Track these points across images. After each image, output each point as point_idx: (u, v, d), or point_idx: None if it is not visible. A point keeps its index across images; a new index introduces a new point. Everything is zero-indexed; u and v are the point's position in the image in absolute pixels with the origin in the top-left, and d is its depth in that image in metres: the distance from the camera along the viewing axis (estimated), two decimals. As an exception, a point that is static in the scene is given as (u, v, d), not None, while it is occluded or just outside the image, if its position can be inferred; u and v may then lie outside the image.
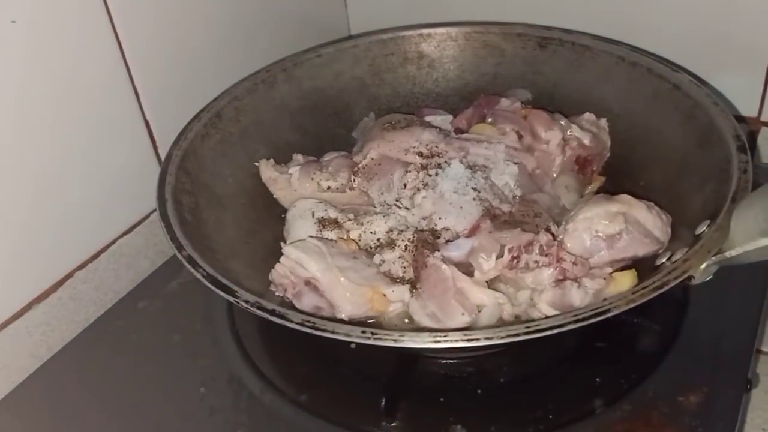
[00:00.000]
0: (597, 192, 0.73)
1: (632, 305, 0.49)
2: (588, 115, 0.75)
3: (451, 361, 0.63)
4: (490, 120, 0.76)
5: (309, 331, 0.50)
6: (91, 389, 0.64)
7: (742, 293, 0.66)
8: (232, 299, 0.53)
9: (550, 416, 0.57)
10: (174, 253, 0.59)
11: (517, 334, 0.47)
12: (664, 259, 0.58)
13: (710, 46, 0.83)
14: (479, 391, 0.60)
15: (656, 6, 0.84)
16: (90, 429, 0.61)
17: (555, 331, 0.47)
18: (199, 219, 0.65)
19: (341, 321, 0.58)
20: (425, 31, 0.84)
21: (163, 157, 0.74)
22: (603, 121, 0.75)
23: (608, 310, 0.48)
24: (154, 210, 0.64)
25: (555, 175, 0.72)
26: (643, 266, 0.60)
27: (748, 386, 0.59)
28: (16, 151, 0.64)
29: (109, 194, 0.74)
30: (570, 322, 0.47)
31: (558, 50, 0.80)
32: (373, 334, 0.49)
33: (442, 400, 0.60)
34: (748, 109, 0.85)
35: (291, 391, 0.61)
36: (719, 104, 0.66)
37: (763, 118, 0.85)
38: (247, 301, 0.53)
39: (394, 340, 0.48)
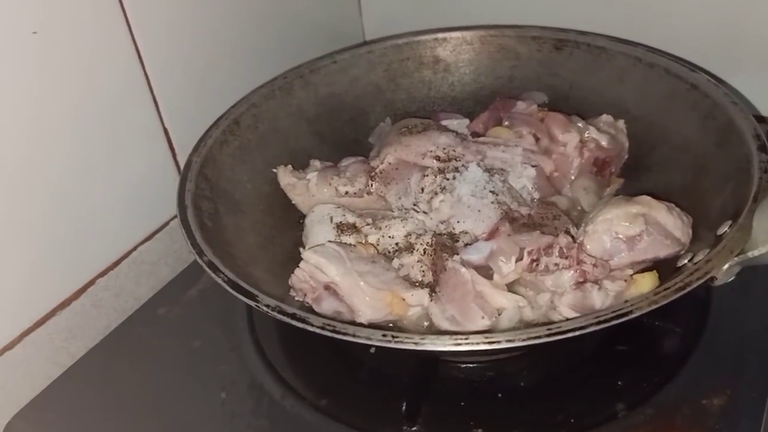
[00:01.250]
0: (616, 194, 0.73)
1: (654, 306, 0.48)
2: (605, 117, 0.75)
3: (471, 365, 0.63)
4: (506, 123, 0.76)
5: (330, 334, 0.50)
6: (112, 396, 0.65)
7: (765, 294, 0.65)
8: (253, 303, 0.54)
9: (572, 420, 0.57)
10: (193, 260, 0.59)
11: (539, 337, 0.47)
12: (685, 261, 0.57)
13: (727, 46, 0.83)
14: (500, 395, 0.60)
15: (671, 6, 0.83)
16: (112, 436, 0.62)
17: (577, 333, 0.47)
18: (219, 225, 0.66)
19: (361, 325, 0.58)
20: (440, 35, 0.85)
21: (181, 165, 0.75)
22: (620, 123, 0.75)
23: (630, 312, 0.48)
24: (174, 217, 0.65)
25: (573, 178, 0.72)
26: (664, 268, 0.60)
27: (773, 388, 0.58)
28: (37, 159, 0.65)
29: (128, 202, 0.75)
30: (592, 324, 0.47)
31: (574, 52, 0.80)
32: (393, 337, 0.49)
33: (462, 404, 0.60)
34: (765, 108, 0.84)
35: (311, 396, 0.62)
36: (738, 103, 0.65)
37: (782, 118, 0.84)
38: (267, 306, 0.53)
39: (415, 343, 0.48)
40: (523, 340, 0.47)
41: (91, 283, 0.73)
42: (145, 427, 0.62)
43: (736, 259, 0.51)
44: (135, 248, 0.77)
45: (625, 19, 0.85)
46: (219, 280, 0.56)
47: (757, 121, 0.63)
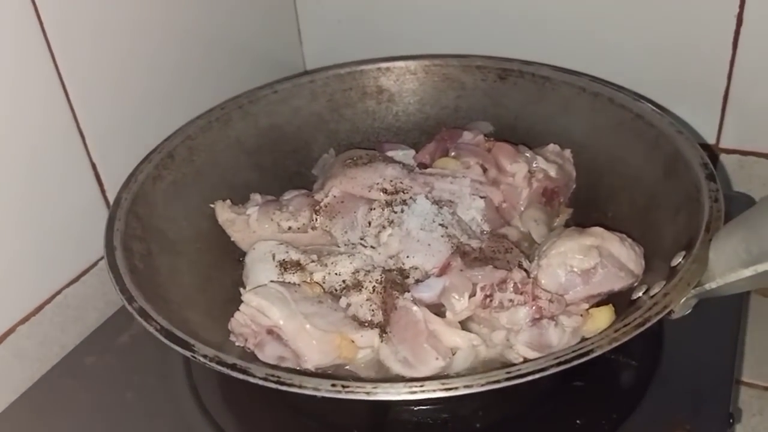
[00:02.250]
0: (566, 224, 0.72)
1: (615, 344, 0.47)
2: (552, 147, 0.74)
3: (425, 408, 0.60)
4: (453, 154, 0.74)
5: (274, 386, 0.47)
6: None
7: (718, 324, 0.64)
8: (189, 354, 0.50)
9: (532, 463, 0.55)
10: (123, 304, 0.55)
11: (498, 381, 0.45)
12: (640, 293, 0.56)
13: (668, 75, 0.84)
14: (456, 439, 0.57)
15: (613, 37, 0.84)
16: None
17: (537, 376, 0.45)
18: (152, 267, 0.61)
19: (307, 372, 0.54)
20: (384, 65, 0.83)
21: (111, 201, 0.70)
22: (567, 152, 0.75)
23: (591, 351, 0.46)
24: (102, 257, 0.60)
25: (522, 209, 0.70)
26: (618, 301, 0.59)
27: (731, 421, 0.58)
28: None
29: (53, 241, 0.70)
30: (552, 366, 0.45)
31: (518, 82, 0.79)
32: (344, 387, 0.45)
33: (417, 449, 0.57)
34: (706, 136, 0.86)
35: (255, 449, 0.58)
36: (683, 132, 0.66)
37: (722, 145, 0.86)
38: (205, 356, 0.49)
39: (367, 393, 0.45)
40: (482, 385, 0.45)
41: (11, 330, 0.67)
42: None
43: (693, 291, 0.50)
44: (60, 291, 0.72)
45: (569, 49, 0.85)
46: (151, 329, 0.52)
47: (703, 149, 0.63)
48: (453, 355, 0.56)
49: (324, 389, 0.45)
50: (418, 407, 0.60)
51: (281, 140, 0.80)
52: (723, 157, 0.87)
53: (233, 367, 0.48)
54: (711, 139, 0.86)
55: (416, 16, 0.92)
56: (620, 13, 0.83)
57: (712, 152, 0.86)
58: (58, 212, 0.70)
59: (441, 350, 0.55)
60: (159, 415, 0.62)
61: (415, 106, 0.84)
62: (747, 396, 0.77)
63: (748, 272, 0.47)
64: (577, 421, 0.57)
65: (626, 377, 0.61)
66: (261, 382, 0.46)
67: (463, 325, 0.59)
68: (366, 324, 0.59)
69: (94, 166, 0.73)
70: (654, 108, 0.70)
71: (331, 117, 0.83)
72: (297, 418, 0.61)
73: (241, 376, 0.47)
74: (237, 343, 0.59)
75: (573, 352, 0.46)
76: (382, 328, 0.59)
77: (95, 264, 0.75)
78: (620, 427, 0.56)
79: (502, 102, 0.80)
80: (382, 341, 0.58)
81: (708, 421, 0.56)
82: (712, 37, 0.80)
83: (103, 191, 0.75)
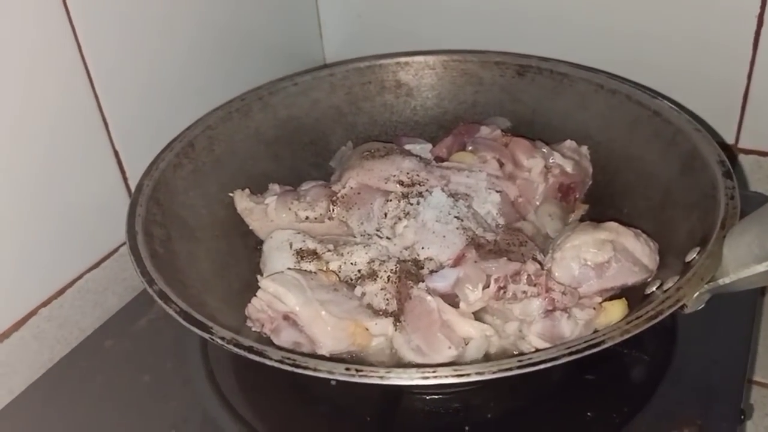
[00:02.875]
0: (581, 220, 0.72)
1: (627, 336, 0.47)
2: (569, 143, 0.74)
3: (436, 396, 0.61)
4: (470, 148, 0.75)
5: (289, 368, 0.47)
6: (54, 435, 0.60)
7: (732, 322, 0.65)
8: (207, 336, 0.50)
9: (542, 454, 0.55)
10: (143, 289, 0.56)
11: (510, 369, 0.45)
12: (653, 288, 0.56)
13: (687, 74, 0.83)
14: (467, 428, 0.58)
15: (632, 35, 0.84)
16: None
17: (549, 365, 0.45)
18: (171, 252, 0.62)
19: (323, 357, 0.55)
20: (403, 59, 0.83)
21: (132, 189, 0.71)
22: (584, 149, 0.75)
23: (603, 342, 0.46)
24: (123, 243, 0.61)
25: (538, 204, 0.71)
26: (631, 296, 0.59)
27: (742, 417, 0.58)
28: (-23, 182, 0.61)
29: (75, 227, 0.71)
30: (564, 355, 0.45)
31: (536, 78, 0.80)
32: (357, 371, 0.46)
33: (428, 438, 0.57)
34: (725, 137, 0.85)
35: (269, 433, 0.58)
36: (701, 130, 0.65)
37: (741, 145, 0.85)
38: (223, 338, 0.50)
39: (381, 377, 0.46)
40: (494, 372, 0.45)
41: (33, 313, 0.68)
42: (88, 469, 0.57)
43: (706, 286, 0.50)
44: (81, 276, 0.73)
45: (587, 46, 0.85)
46: (170, 311, 0.53)
47: (721, 149, 0.63)
48: (466, 345, 0.57)
49: (338, 373, 0.46)
50: (430, 396, 0.61)
51: (300, 132, 0.81)
52: (741, 157, 0.86)
53: (250, 349, 0.49)
54: (730, 140, 0.86)
55: (435, 12, 0.93)
56: (639, 11, 0.83)
57: (730, 152, 0.86)
58: (80, 198, 0.71)
59: (454, 340, 0.56)
60: (175, 398, 0.63)
61: (433, 100, 0.84)
62: (759, 395, 0.77)
63: (761, 267, 0.47)
64: (588, 414, 0.57)
65: (638, 372, 0.62)
66: (277, 365, 0.47)
67: (477, 316, 0.59)
68: (380, 312, 0.60)
69: (116, 153, 0.74)
70: (672, 105, 0.70)
71: (349, 110, 0.83)
72: (311, 404, 0.61)
73: (257, 359, 0.48)
74: (253, 329, 0.60)
75: (585, 342, 0.46)
76: (396, 317, 0.59)
77: (116, 250, 0.76)
78: (631, 421, 0.57)
79: (520, 98, 0.81)
80: (395, 330, 0.58)
81: (719, 417, 0.57)
82: (733, 36, 0.80)
83: (125, 179, 0.76)
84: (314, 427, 0.60)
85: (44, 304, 0.69)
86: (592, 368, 0.60)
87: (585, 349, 0.46)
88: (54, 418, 0.62)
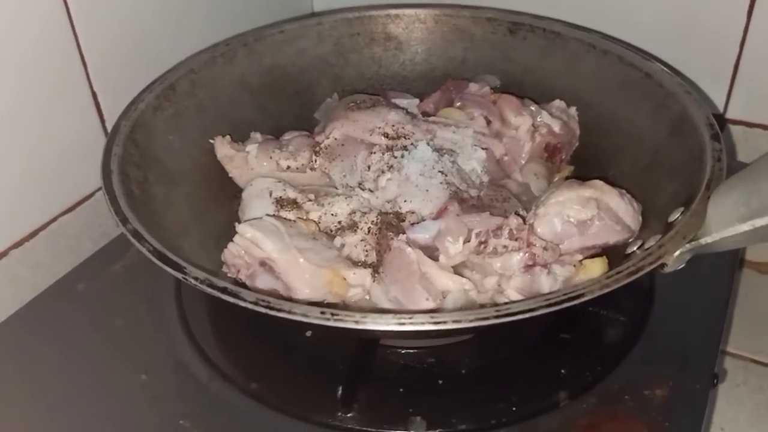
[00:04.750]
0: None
1: (606, 290, 0.47)
2: (558, 102, 0.73)
3: (411, 350, 0.60)
4: (458, 104, 0.74)
5: (263, 311, 0.46)
6: (23, 375, 0.59)
7: (709, 288, 0.65)
8: (180, 276, 0.49)
9: (513, 408, 0.55)
10: (118, 234, 0.55)
11: (487, 318, 0.44)
12: (634, 248, 0.56)
13: (679, 41, 0.82)
14: (440, 382, 0.58)
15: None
16: (21, 419, 0.56)
17: (527, 315, 0.45)
18: (148, 194, 0.61)
19: (298, 300, 0.54)
20: (393, 11, 0.82)
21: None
22: (573, 110, 0.74)
23: (582, 295, 0.46)
24: (99, 189, 0.60)
25: (523, 162, 0.70)
26: (612, 255, 0.59)
27: (715, 381, 0.58)
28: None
29: (50, 170, 0.70)
30: (542, 306, 0.45)
31: (528, 36, 0.78)
32: (333, 315, 0.45)
33: (401, 390, 0.57)
34: (713, 106, 0.85)
35: (241, 380, 0.58)
36: (692, 93, 0.65)
37: (729, 116, 0.85)
38: (196, 278, 0.49)
39: (356, 322, 0.45)
40: (471, 321, 0.44)
41: (4, 254, 0.67)
42: (56, 410, 0.56)
43: (688, 246, 0.50)
44: (55, 219, 0.71)
45: (581, 7, 0.84)
46: (144, 250, 0.51)
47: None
48: (444, 298, 0.56)
49: (313, 316, 0.45)
50: (405, 350, 0.60)
51: (285, 81, 0.79)
52: (728, 127, 0.86)
53: (224, 290, 0.48)
54: (718, 109, 0.85)
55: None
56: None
57: (717, 121, 0.85)
58: (56, 140, 0.69)
59: (432, 292, 0.55)
60: (147, 342, 0.62)
61: (423, 55, 0.83)
62: (733, 366, 0.77)
63: (745, 227, 0.47)
64: (562, 371, 0.57)
65: (613, 332, 0.61)
66: (251, 306, 0.46)
67: (456, 271, 0.58)
68: (359, 264, 0.59)
69: (94, 95, 0.72)
70: (663, 68, 0.69)
71: (336, 61, 0.81)
72: (285, 353, 0.61)
73: (231, 300, 0.47)
74: (229, 274, 0.59)
75: (564, 294, 0.46)
76: (375, 268, 0.58)
77: (92, 195, 0.75)
78: (604, 379, 0.56)
79: (511, 56, 0.79)
80: (374, 281, 0.58)
81: (692, 379, 0.56)
82: (727, 3, 0.79)
83: (102, 121, 0.74)
84: (287, 376, 0.59)
85: (16, 245, 0.68)
86: (568, 327, 0.60)
87: (564, 301, 0.46)
88: (23, 359, 0.61)
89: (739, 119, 0.85)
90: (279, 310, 0.46)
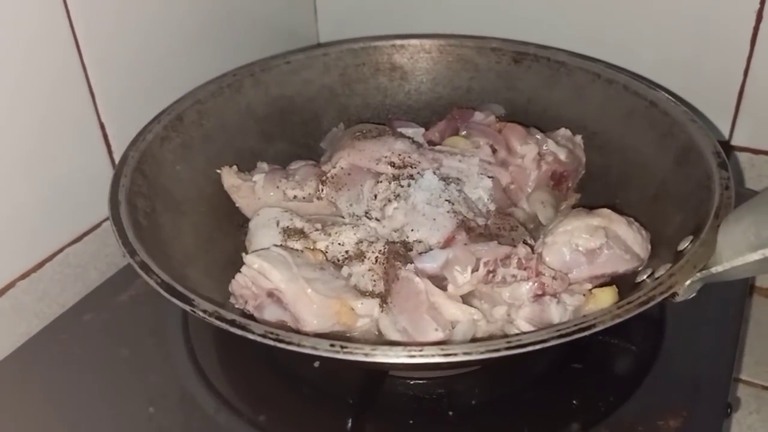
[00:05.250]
0: (572, 208, 0.71)
1: (617, 321, 0.46)
2: (563, 131, 0.74)
3: (421, 381, 0.60)
4: (463, 133, 0.74)
5: (272, 343, 0.46)
6: (30, 407, 0.59)
7: (720, 316, 0.64)
8: (188, 308, 0.49)
9: (526, 441, 0.54)
10: (125, 264, 0.55)
11: (498, 350, 0.44)
12: (644, 277, 0.56)
13: (683, 69, 0.83)
14: (450, 413, 0.57)
15: (630, 28, 0.84)
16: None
17: (537, 347, 0.44)
18: (155, 224, 0.61)
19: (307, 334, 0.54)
20: (398, 42, 0.82)
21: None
22: (578, 138, 0.74)
23: (593, 326, 0.46)
24: (106, 219, 0.60)
25: (530, 191, 0.70)
26: (622, 284, 0.58)
27: (729, 410, 0.57)
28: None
29: (57, 200, 0.70)
30: (553, 338, 0.45)
31: (533, 66, 0.79)
32: (342, 347, 0.45)
33: (411, 422, 0.56)
34: (718, 133, 0.85)
35: (248, 411, 0.57)
36: (697, 121, 0.65)
37: (734, 143, 0.85)
38: (205, 311, 0.49)
39: (365, 354, 0.44)
40: (481, 353, 0.44)
41: (11, 285, 0.67)
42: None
43: (698, 274, 0.49)
44: (61, 250, 0.71)
45: (585, 37, 0.84)
46: (151, 282, 0.51)
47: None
48: (453, 328, 0.56)
49: (322, 349, 0.45)
50: (414, 380, 0.60)
51: (291, 111, 0.79)
52: (735, 154, 0.86)
53: (232, 323, 0.47)
54: (723, 136, 0.85)
55: (433, -4, 0.92)
56: (639, 3, 0.82)
57: (723, 149, 0.85)
58: (63, 171, 0.70)
59: (441, 322, 0.55)
60: (153, 372, 0.61)
61: (428, 85, 0.83)
62: (745, 394, 0.76)
63: (756, 256, 0.46)
64: (574, 402, 0.57)
65: (625, 362, 0.61)
66: (260, 339, 0.46)
67: (465, 300, 0.58)
68: (367, 294, 0.59)
69: (102, 126, 0.73)
70: (669, 97, 0.69)
71: (342, 91, 0.82)
72: (293, 385, 0.60)
73: (240, 333, 0.47)
74: (237, 305, 0.59)
75: (575, 325, 0.45)
76: (383, 298, 0.58)
77: (99, 225, 0.75)
78: (617, 410, 0.56)
79: (516, 85, 0.80)
80: (382, 311, 0.57)
81: (706, 408, 0.56)
82: (731, 32, 0.79)
83: (110, 152, 0.74)
84: (295, 408, 0.59)
85: (23, 276, 0.68)
86: (580, 356, 0.60)
87: (575, 332, 0.45)
88: (31, 391, 0.60)
89: (745, 146, 0.85)
90: (288, 343, 0.45)
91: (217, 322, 0.48)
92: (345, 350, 0.45)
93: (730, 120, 0.84)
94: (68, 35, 0.67)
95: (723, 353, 0.61)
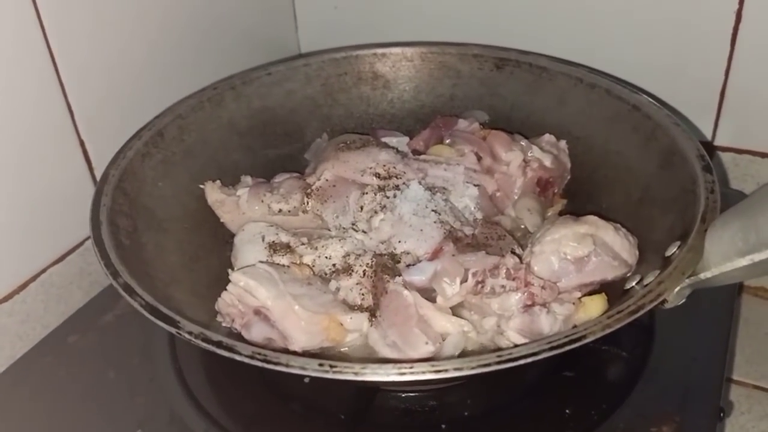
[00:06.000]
0: (559, 215, 0.71)
1: (608, 331, 0.46)
2: (548, 137, 0.73)
3: (412, 394, 0.59)
4: (448, 141, 0.73)
5: (260, 364, 0.45)
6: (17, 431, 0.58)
7: (710, 319, 0.64)
8: (173, 330, 0.48)
9: (520, 452, 0.54)
10: (110, 284, 0.54)
11: (489, 364, 0.44)
12: (633, 283, 0.55)
13: (665, 71, 0.83)
14: (443, 426, 0.56)
15: (611, 31, 0.84)
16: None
17: (529, 360, 0.44)
18: (138, 243, 0.60)
19: (295, 353, 0.53)
20: (380, 50, 0.82)
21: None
22: (563, 143, 0.74)
23: (584, 336, 0.45)
24: (88, 237, 0.59)
25: (516, 198, 0.70)
26: (611, 291, 0.58)
27: (722, 414, 0.57)
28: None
29: (38, 220, 0.69)
30: (544, 350, 0.44)
31: (515, 71, 0.79)
32: (331, 366, 0.44)
33: (403, 436, 0.56)
34: (701, 134, 0.85)
35: (238, 431, 0.56)
36: (680, 125, 0.65)
37: (717, 143, 0.85)
38: (190, 333, 0.48)
39: (356, 373, 0.44)
40: (473, 368, 0.43)
41: (-6, 307, 0.66)
42: (48, 469, 0.55)
43: (687, 281, 0.49)
44: (44, 270, 0.70)
45: (567, 41, 0.84)
46: (135, 304, 0.50)
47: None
48: (443, 340, 0.55)
49: (311, 368, 0.44)
50: (405, 393, 0.59)
51: (273, 123, 0.79)
52: (718, 155, 0.86)
53: (219, 344, 0.47)
54: (706, 137, 0.85)
55: (413, 3, 0.91)
56: (619, 7, 0.82)
57: (707, 149, 0.86)
58: (43, 190, 0.69)
59: (431, 335, 0.54)
60: (141, 395, 0.60)
61: (411, 93, 0.83)
62: (736, 394, 0.76)
63: (744, 261, 0.46)
64: (566, 411, 0.56)
65: (617, 369, 0.61)
66: (247, 360, 0.45)
67: (454, 311, 0.58)
68: (355, 308, 0.58)
69: (82, 143, 0.72)
70: (651, 100, 0.69)
71: (324, 101, 0.81)
72: (282, 402, 0.59)
73: (226, 354, 0.46)
74: (224, 324, 0.58)
75: (565, 337, 0.45)
76: (372, 312, 0.58)
77: (81, 244, 0.74)
78: (609, 417, 0.56)
79: (499, 92, 0.79)
80: (371, 325, 0.57)
81: (698, 413, 0.56)
82: (711, 32, 0.79)
83: (91, 169, 0.73)
84: (286, 425, 0.58)
85: (6, 298, 0.67)
86: (571, 365, 0.60)
87: (566, 344, 0.45)
88: (16, 416, 0.60)
89: (728, 146, 0.85)
90: (276, 363, 0.45)
91: (204, 344, 0.47)
92: (334, 369, 0.44)
93: (713, 120, 0.84)
94: (44, 52, 0.66)
95: (714, 357, 0.61)
